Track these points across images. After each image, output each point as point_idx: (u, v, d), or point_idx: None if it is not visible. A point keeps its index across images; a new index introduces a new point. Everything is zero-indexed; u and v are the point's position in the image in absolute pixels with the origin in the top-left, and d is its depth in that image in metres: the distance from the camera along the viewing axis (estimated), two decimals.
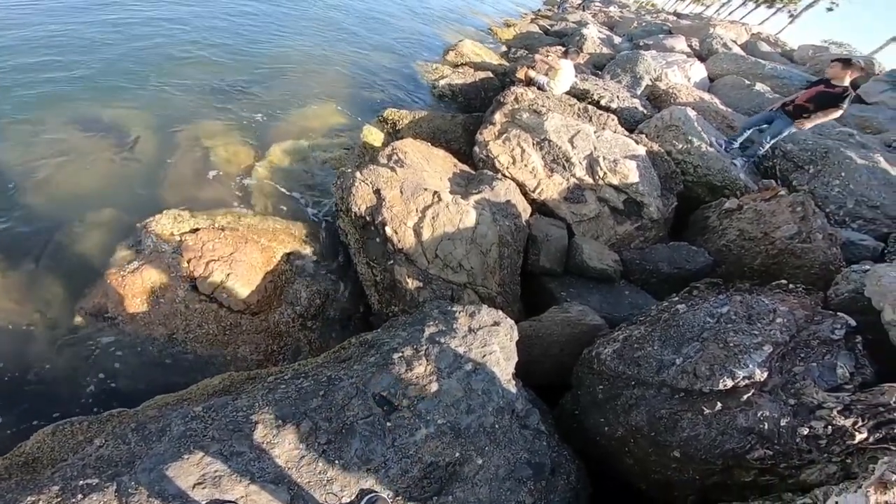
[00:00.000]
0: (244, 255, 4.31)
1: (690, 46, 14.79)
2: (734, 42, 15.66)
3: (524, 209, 5.38)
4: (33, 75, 6.70)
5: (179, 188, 5.43)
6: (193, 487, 1.99)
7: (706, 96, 9.56)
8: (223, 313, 3.98)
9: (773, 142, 6.75)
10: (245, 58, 9.17)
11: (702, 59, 13.18)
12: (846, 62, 5.93)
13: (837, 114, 6.13)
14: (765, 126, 6.79)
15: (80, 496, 1.93)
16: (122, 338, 3.64)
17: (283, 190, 5.86)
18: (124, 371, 3.60)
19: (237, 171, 5.94)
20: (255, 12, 11.91)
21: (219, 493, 1.98)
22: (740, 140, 7.02)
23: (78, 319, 3.73)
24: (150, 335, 3.65)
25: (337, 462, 2.19)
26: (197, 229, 4.50)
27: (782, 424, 2.28)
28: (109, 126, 6.05)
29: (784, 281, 3.66)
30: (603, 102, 8.16)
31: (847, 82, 5.89)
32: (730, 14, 49.36)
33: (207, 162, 5.94)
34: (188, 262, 4.14)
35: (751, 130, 7.03)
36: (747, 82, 10.72)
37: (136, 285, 3.83)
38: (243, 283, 4.16)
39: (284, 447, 2.20)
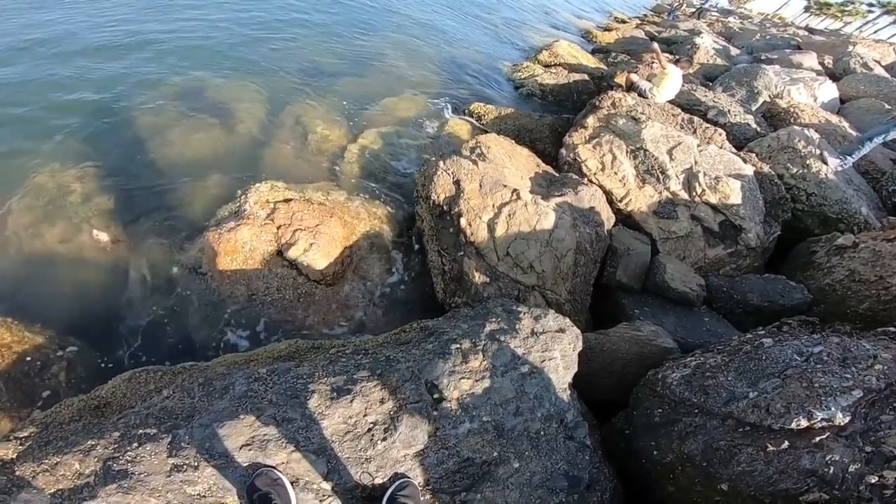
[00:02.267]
0: (328, 228, 4.52)
1: (822, 64, 13.33)
2: (877, 62, 13.90)
3: (608, 218, 5.17)
4: (157, 51, 7.54)
5: (279, 161, 5.85)
6: (240, 448, 2.08)
7: (834, 119, 8.59)
8: (300, 281, 4.22)
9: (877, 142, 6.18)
10: (345, 46, 9.74)
11: (834, 78, 11.85)
12: None
13: None
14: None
15: (135, 444, 2.05)
16: (208, 293, 3.97)
17: (369, 172, 6.11)
18: (205, 325, 3.93)
19: (331, 151, 6.28)
20: (358, 4, 12.55)
21: (263, 456, 2.07)
22: (857, 156, 6.29)
23: (175, 271, 4.12)
24: (233, 294, 3.95)
25: (379, 443, 2.24)
26: (289, 199, 4.78)
27: (850, 470, 2.09)
28: (223, 99, 6.65)
29: (893, 328, 3.24)
30: (710, 115, 7.62)
31: None
32: (875, 32, 43.96)
33: (306, 140, 6.35)
34: (278, 228, 4.43)
35: (873, 144, 6.29)
36: (887, 107, 9.49)
37: (229, 245, 4.15)
38: (323, 254, 4.37)
39: (333, 419, 2.27)
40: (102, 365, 3.58)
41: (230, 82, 7.12)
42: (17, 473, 1.95)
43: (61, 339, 3.61)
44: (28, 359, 3.35)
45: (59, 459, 2.00)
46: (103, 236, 4.42)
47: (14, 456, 2.13)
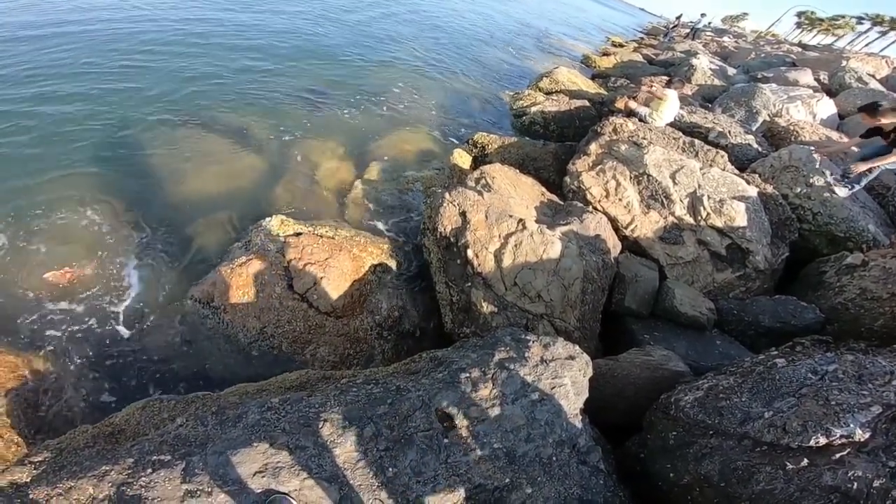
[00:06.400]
0: (337, 262, 4.59)
1: (818, 80, 13.50)
2: (871, 76, 14.05)
3: (614, 245, 5.19)
4: (171, 86, 7.87)
5: (288, 197, 6.02)
6: (254, 475, 2.11)
7: (834, 135, 8.65)
8: (311, 313, 4.27)
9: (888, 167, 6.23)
10: (349, 79, 10.14)
11: (831, 94, 11.96)
12: (871, 109, 5.96)
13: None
14: None
15: (149, 470, 2.09)
16: (220, 326, 4.05)
17: (376, 206, 6.24)
18: (216, 357, 4.02)
19: (338, 186, 6.46)
20: (358, 36, 12.98)
21: (276, 483, 2.09)
22: (865, 182, 6.29)
23: (188, 304, 4.22)
24: (245, 326, 4.02)
25: (390, 470, 2.25)
26: (299, 234, 4.90)
27: (875, 485, 2.07)
28: (232, 136, 6.91)
29: None
30: (711, 137, 7.71)
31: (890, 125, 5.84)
32: (867, 46, 44.74)
33: (315, 176, 6.54)
34: (288, 262, 4.52)
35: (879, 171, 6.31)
36: None
37: (241, 278, 4.23)
38: (333, 287, 4.44)
39: (345, 448, 2.29)
40: (117, 394, 3.68)
41: (238, 117, 7.39)
42: (32, 497, 1.99)
43: (77, 369, 3.73)
44: (45, 388, 3.48)
45: (73, 484, 2.04)
46: (118, 271, 4.57)
47: (28, 480, 2.18)
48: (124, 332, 4.12)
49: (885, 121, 5.91)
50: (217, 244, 5.04)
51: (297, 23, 12.57)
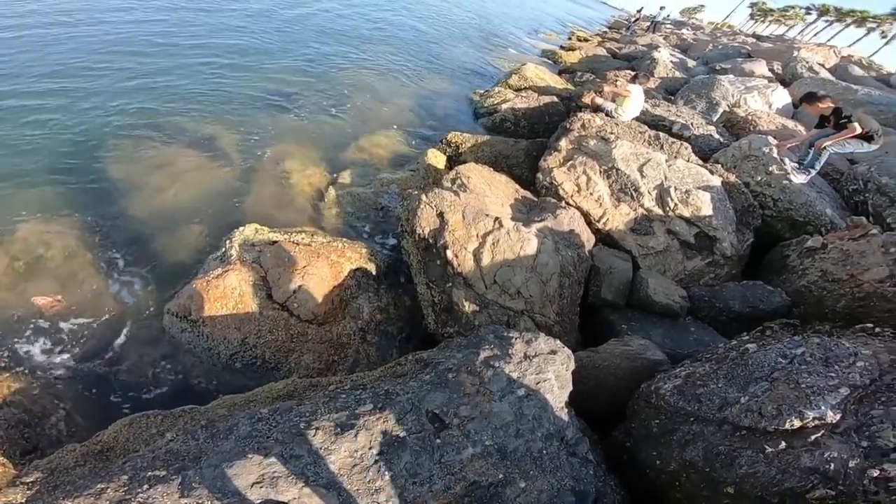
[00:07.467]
0: (315, 269, 4.55)
1: (772, 70, 14.08)
2: (821, 66, 14.74)
3: (588, 239, 5.31)
4: (132, 93, 7.61)
5: (261, 205, 5.93)
6: (251, 486, 2.11)
7: (790, 123, 9.04)
8: (292, 322, 4.23)
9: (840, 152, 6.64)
10: (321, 83, 9.99)
11: (785, 83, 12.50)
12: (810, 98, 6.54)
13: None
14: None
15: (146, 486, 2.08)
16: (199, 339, 3.98)
17: (352, 210, 6.21)
18: (199, 370, 3.96)
19: (312, 192, 6.39)
20: (330, 41, 12.96)
21: (274, 493, 2.10)
22: (819, 167, 6.62)
23: (165, 319, 4.14)
24: (225, 338, 3.95)
25: (386, 473, 2.28)
26: (275, 242, 4.84)
27: (850, 465, 2.17)
28: (201, 143, 6.75)
29: (870, 325, 3.40)
30: (675, 129, 7.94)
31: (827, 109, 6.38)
32: (815, 35, 47.09)
33: (287, 183, 6.45)
34: (266, 271, 4.46)
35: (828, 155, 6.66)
36: None
37: (217, 290, 4.16)
38: (313, 294, 4.40)
39: (340, 454, 2.31)
40: (98, 412, 3.62)
41: (207, 125, 7.22)
42: None
43: (59, 389, 3.66)
44: (27, 409, 3.39)
45: (70, 503, 2.03)
46: (89, 288, 4.43)
47: (23, 501, 2.16)
48: (104, 350, 4.03)
49: (823, 106, 6.32)
50: (192, 256, 4.95)
51: (248, 25, 12.30)
